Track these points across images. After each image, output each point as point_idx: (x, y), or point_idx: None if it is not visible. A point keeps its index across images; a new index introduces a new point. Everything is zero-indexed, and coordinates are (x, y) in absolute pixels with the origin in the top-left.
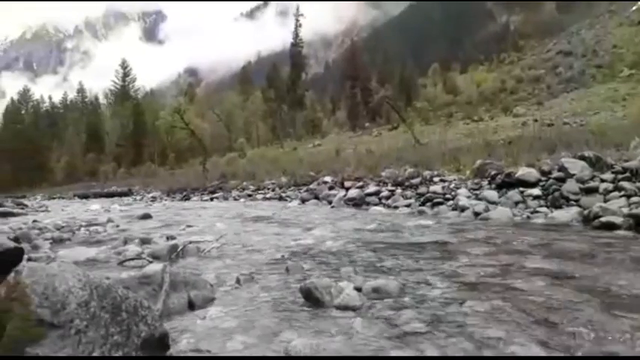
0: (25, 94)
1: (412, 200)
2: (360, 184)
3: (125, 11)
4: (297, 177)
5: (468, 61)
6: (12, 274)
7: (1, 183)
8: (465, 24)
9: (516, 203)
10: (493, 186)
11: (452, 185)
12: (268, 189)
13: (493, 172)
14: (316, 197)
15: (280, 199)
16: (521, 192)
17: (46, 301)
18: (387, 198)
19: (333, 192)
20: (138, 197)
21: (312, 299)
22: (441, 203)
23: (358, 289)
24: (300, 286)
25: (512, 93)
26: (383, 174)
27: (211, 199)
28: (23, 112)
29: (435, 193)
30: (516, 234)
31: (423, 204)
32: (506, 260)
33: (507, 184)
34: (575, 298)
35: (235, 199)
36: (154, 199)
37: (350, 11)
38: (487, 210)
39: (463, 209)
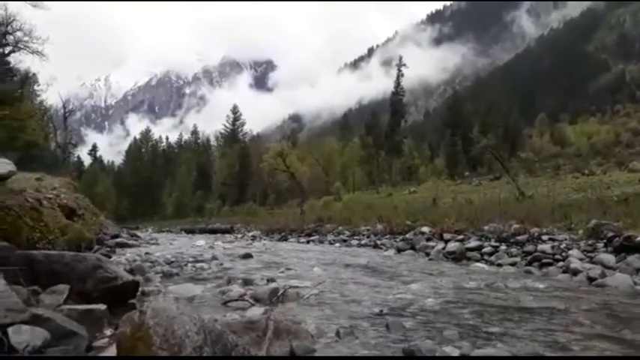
0: (146, 134)
1: (518, 259)
2: (461, 237)
3: (239, 60)
4: (392, 225)
5: (579, 112)
6: (137, 313)
7: (119, 214)
8: (576, 74)
9: (637, 270)
10: (610, 249)
11: (562, 245)
12: (363, 235)
13: (610, 234)
14: (412, 247)
15: (375, 246)
16: None
17: (165, 343)
18: (490, 254)
19: (430, 243)
20: (239, 235)
21: None
22: (550, 264)
23: (465, 357)
24: (403, 348)
25: (628, 146)
26: (486, 228)
27: (307, 242)
28: (143, 150)
29: (543, 252)
30: (639, 305)
31: (529, 263)
32: (629, 335)
33: (627, 247)
34: None
35: (331, 243)
36: (253, 238)
37: (454, 60)
38: (603, 275)
39: (575, 272)
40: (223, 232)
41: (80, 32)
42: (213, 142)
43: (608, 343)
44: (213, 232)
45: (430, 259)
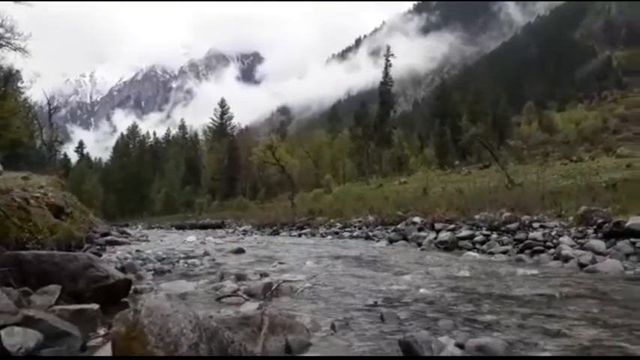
0: (133, 130)
1: (509, 247)
2: (452, 226)
3: (225, 53)
4: (384, 216)
5: (566, 99)
6: (131, 312)
7: (107, 211)
8: (563, 60)
9: (627, 255)
10: (600, 235)
11: (553, 232)
12: (355, 227)
13: (600, 220)
14: (404, 238)
15: (367, 238)
16: (633, 243)
17: (161, 342)
18: (482, 243)
19: (422, 234)
20: (230, 230)
21: (411, 353)
22: (541, 251)
23: (460, 346)
24: (399, 339)
25: (616, 132)
26: (477, 217)
27: (299, 235)
28: (131, 146)
29: (534, 240)
30: (630, 290)
31: (521, 251)
32: (620, 319)
33: (616, 233)
34: None
35: (322, 236)
36: (245, 232)
37: (442, 49)
38: (594, 262)
39: (567, 259)
40: (214, 227)
41: (63, 28)
42: (201, 136)
43: (601, 328)
44: (204, 227)
45: (422, 250)
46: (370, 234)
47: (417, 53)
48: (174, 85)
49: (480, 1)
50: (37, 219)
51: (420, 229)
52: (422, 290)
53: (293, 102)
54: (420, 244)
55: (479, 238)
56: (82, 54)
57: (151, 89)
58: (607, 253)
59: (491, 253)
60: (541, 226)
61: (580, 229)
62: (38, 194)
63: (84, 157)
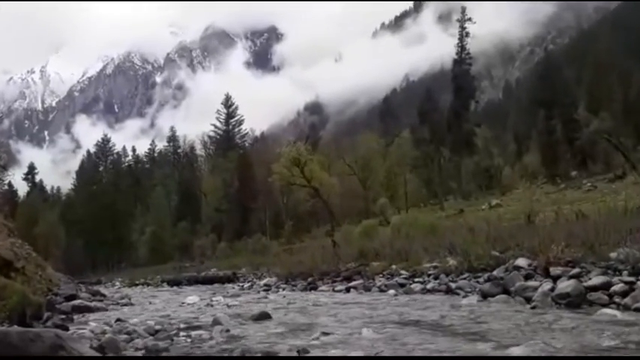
0: (103, 145)
1: None
2: (576, 270)
3: (229, 30)
4: (471, 258)
5: None
6: None
7: (72, 262)
8: None
9: None
10: None
11: None
12: (428, 275)
13: None
14: (505, 291)
15: (448, 291)
16: None
17: None
18: (624, 295)
19: (531, 283)
20: (246, 284)
21: None
22: None
23: None
24: None
25: None
26: (612, 255)
27: (347, 290)
28: (101, 168)
29: None
30: None
31: None
32: None
33: None
34: None
35: (381, 291)
36: (268, 287)
37: (545, 8)
38: None
39: None
40: (223, 280)
41: None
42: (199, 150)
43: None
44: (209, 281)
45: (534, 307)
46: (452, 286)
47: (508, 15)
48: (158, 79)
49: None
50: None
51: (527, 277)
52: None
53: (327, 95)
54: (529, 300)
55: (618, 287)
56: (28, 41)
57: (126, 86)
58: None
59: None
60: None
61: None
62: None
63: (36, 187)
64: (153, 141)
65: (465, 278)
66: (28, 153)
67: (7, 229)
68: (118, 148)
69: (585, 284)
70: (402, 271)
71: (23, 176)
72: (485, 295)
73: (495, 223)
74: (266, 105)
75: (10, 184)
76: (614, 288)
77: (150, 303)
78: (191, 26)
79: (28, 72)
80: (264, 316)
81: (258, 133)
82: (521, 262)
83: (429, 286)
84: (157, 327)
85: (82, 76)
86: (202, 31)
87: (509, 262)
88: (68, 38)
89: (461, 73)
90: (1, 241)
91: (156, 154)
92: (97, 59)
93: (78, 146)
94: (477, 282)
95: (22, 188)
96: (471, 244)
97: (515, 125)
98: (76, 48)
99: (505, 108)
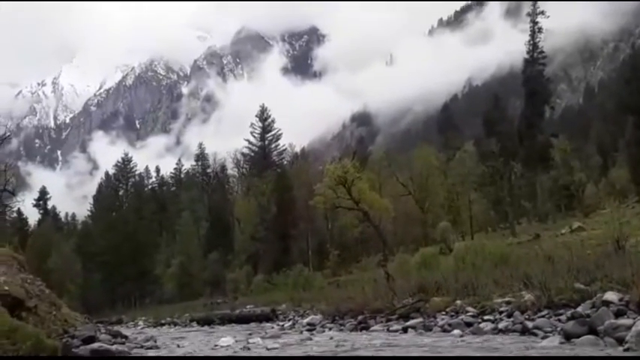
0: (124, 166)
1: None
2: None
3: (264, 32)
4: (550, 291)
5: None
6: None
7: (89, 299)
8: None
9: None
10: None
11: None
12: (500, 312)
13: None
14: (592, 331)
15: (524, 332)
16: None
17: None
18: None
19: (623, 321)
20: (287, 324)
21: None
22: None
23: None
24: None
25: None
26: None
27: (404, 330)
28: (121, 192)
29: None
30: None
31: None
32: None
33: None
34: None
35: (445, 330)
36: (312, 327)
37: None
38: None
39: None
40: (260, 319)
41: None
42: (231, 170)
43: None
44: (245, 320)
45: (627, 350)
46: (529, 325)
47: (588, 6)
48: (184, 89)
49: None
50: None
51: (618, 314)
52: None
53: (377, 103)
54: (621, 341)
55: None
56: (38, 49)
57: (148, 99)
58: None
59: None
60: None
61: None
62: None
63: (48, 214)
64: (179, 160)
65: (543, 316)
66: (39, 176)
67: (17, 263)
68: (140, 168)
69: None
70: (469, 308)
71: (34, 202)
72: (568, 336)
73: (578, 250)
74: (307, 117)
75: (19, 212)
76: None
77: (178, 346)
78: (221, 29)
79: (38, 84)
80: None
81: (298, 149)
82: (611, 296)
83: (500, 326)
84: None
85: (99, 88)
86: (234, 35)
87: (597, 296)
88: (83, 45)
89: (533, 75)
90: (11, 277)
91: (182, 175)
92: (115, 69)
93: (95, 167)
94: (559, 320)
95: (32, 216)
96: (550, 276)
97: (599, 135)
98: (92, 56)
99: (586, 115)
